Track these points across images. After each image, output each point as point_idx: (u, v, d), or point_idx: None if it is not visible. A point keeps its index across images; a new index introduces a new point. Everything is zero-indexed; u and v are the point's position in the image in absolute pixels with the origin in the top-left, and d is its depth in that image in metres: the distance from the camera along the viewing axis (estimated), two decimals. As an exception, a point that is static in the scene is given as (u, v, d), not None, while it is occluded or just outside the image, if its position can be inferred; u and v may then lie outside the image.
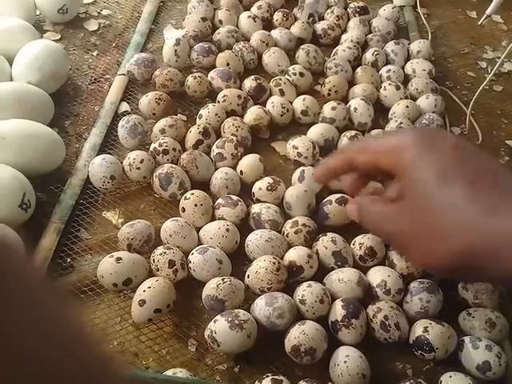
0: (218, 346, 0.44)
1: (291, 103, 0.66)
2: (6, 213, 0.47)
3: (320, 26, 0.77)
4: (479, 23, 0.71)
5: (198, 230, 0.52)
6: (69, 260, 0.50)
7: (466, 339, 0.47)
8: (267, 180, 0.57)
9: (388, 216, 0.41)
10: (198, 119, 0.63)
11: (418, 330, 0.47)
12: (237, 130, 0.61)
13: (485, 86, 0.78)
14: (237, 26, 0.75)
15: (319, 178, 0.50)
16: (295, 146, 0.61)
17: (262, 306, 0.46)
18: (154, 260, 0.47)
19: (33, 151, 0.52)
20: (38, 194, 0.53)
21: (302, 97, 0.66)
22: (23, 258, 0.19)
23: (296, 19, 0.78)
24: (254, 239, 0.51)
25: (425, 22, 0.85)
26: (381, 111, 0.69)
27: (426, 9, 0.89)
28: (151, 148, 0.57)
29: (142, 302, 0.44)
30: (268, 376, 0.43)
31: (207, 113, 0.62)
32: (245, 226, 0.54)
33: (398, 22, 0.84)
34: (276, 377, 0.42)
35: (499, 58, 0.83)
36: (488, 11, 0.68)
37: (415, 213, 0.39)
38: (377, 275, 0.50)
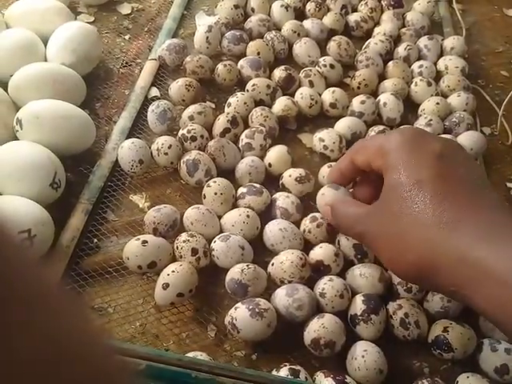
0: (238, 333, 0.44)
1: (320, 95, 0.66)
2: (37, 191, 0.48)
3: (353, 18, 0.76)
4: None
5: (220, 217, 0.52)
6: (96, 240, 0.51)
7: (486, 341, 0.47)
8: (299, 171, 0.56)
9: (359, 217, 0.42)
10: (226, 107, 0.63)
11: (438, 329, 0.47)
12: (265, 120, 0.61)
13: (518, 85, 0.77)
14: (269, 15, 0.74)
15: (332, 181, 0.51)
16: (322, 138, 0.61)
17: (282, 296, 0.46)
18: (177, 247, 0.48)
19: (65, 131, 0.53)
20: (67, 174, 0.54)
21: (331, 89, 0.66)
22: (34, 262, 0.18)
23: (329, 10, 0.77)
24: (269, 228, 0.52)
25: (460, 18, 0.83)
26: (411, 107, 0.68)
27: (461, 4, 0.87)
28: (179, 134, 0.58)
29: (166, 286, 0.45)
30: (286, 365, 0.43)
31: (236, 101, 0.62)
32: (269, 214, 0.54)
33: (433, 17, 0.82)
34: (293, 366, 0.43)
35: (534, 57, 0.82)
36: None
37: (385, 216, 0.39)
38: (398, 272, 0.50)
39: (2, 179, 0.49)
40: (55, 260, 0.48)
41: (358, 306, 0.47)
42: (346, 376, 0.43)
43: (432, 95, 0.67)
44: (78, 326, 0.18)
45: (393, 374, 0.45)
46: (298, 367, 0.43)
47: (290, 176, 0.56)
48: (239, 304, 0.45)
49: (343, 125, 0.63)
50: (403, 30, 0.76)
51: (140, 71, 0.66)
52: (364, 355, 0.44)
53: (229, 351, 0.46)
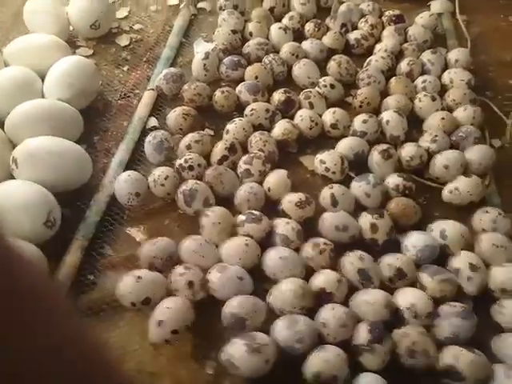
0: (236, 370, 0.43)
1: (321, 116, 0.65)
2: (30, 230, 0.48)
3: (353, 36, 0.75)
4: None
5: (218, 247, 0.51)
6: (92, 277, 0.51)
7: (499, 367, 0.44)
8: (298, 196, 0.55)
9: None
10: (224, 134, 0.62)
11: (447, 356, 0.44)
12: (264, 145, 0.60)
13: (529, 95, 0.75)
14: (267, 38, 0.74)
15: None
16: (323, 160, 0.59)
17: (281, 328, 0.45)
18: (172, 281, 0.47)
19: (61, 168, 0.53)
20: (65, 209, 0.54)
21: (331, 109, 0.65)
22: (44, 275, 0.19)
23: (328, 29, 0.76)
24: (269, 256, 0.50)
25: (464, 29, 0.81)
26: (415, 123, 0.66)
27: (465, 15, 0.85)
28: (177, 164, 0.57)
29: (160, 323, 0.44)
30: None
31: (234, 127, 0.61)
32: (269, 241, 0.53)
33: (436, 30, 0.80)
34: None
35: (546, 65, 0.79)
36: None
37: None
38: (405, 297, 0.48)
39: (-3, 220, 0.49)
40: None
41: (362, 334, 0.45)
42: (351, 413, 0.41)
43: (437, 110, 0.65)
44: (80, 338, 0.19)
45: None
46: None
47: (289, 201, 0.55)
48: (236, 339, 0.43)
49: (345, 145, 0.61)
50: (405, 45, 0.74)
51: (138, 102, 0.66)
52: (369, 389, 0.42)
53: (228, 388, 0.45)
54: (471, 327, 0.46)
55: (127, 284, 0.46)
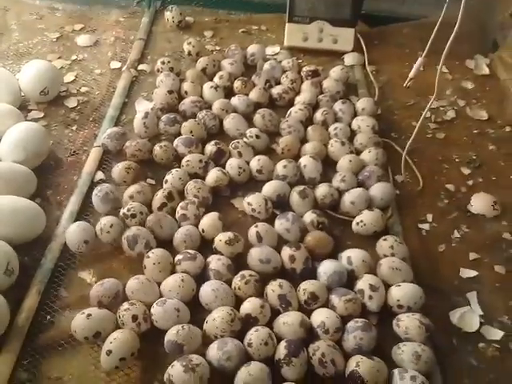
0: (175, 388, 0.51)
1: (248, 163, 0.75)
2: (-9, 280, 0.55)
3: (276, 91, 0.86)
4: (404, 85, 0.79)
5: (160, 284, 0.59)
6: (49, 317, 0.58)
7: (395, 371, 0.54)
8: (228, 235, 0.64)
9: None
10: (164, 183, 0.71)
11: (352, 364, 0.53)
12: (198, 192, 0.69)
13: (428, 134, 0.88)
14: (201, 96, 0.84)
15: None
16: (250, 202, 0.69)
17: (213, 350, 0.53)
18: (119, 316, 0.55)
19: (17, 223, 0.61)
20: (23, 258, 0.61)
21: (257, 157, 0.75)
22: None
23: (254, 85, 0.87)
24: (203, 289, 0.59)
25: (372, 79, 0.94)
26: (330, 165, 0.77)
27: (375, 66, 0.98)
28: (121, 213, 0.65)
29: (109, 352, 0.52)
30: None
31: (172, 177, 0.70)
32: (204, 276, 0.61)
33: (349, 81, 0.93)
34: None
35: (444, 106, 0.93)
36: (411, 74, 0.77)
37: None
38: (318, 317, 0.57)
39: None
40: (12, 339, 0.54)
41: (281, 351, 0.54)
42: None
43: (347, 153, 0.76)
44: None
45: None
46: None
47: (220, 240, 0.64)
48: (175, 362, 0.52)
49: (269, 188, 0.71)
50: (320, 96, 0.86)
51: (87, 158, 0.74)
52: (286, 395, 0.50)
53: (173, 406, 0.52)
54: (372, 339, 0.56)
55: (80, 321, 0.53)
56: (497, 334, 0.60)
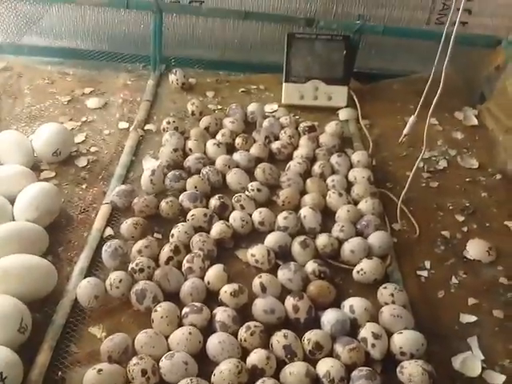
0: None
1: (250, 216, 0.78)
2: (6, 337, 0.57)
3: (275, 146, 0.91)
4: (399, 141, 0.84)
5: (168, 337, 0.61)
6: (60, 373, 0.59)
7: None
8: (233, 286, 0.66)
9: None
10: (170, 238, 0.74)
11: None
12: (203, 244, 0.72)
13: (422, 183, 0.91)
14: (204, 153, 0.89)
15: None
16: (253, 253, 0.72)
17: (221, 403, 0.54)
18: (129, 370, 0.56)
19: (30, 281, 0.63)
20: (35, 314, 0.63)
21: (259, 210, 0.78)
22: None
23: (254, 141, 0.92)
24: (210, 341, 0.60)
25: (366, 132, 0.99)
26: (329, 215, 0.80)
27: (368, 120, 1.03)
28: (129, 268, 0.68)
29: (119, 408, 0.53)
30: None
31: (178, 232, 0.74)
32: (210, 327, 0.63)
33: (344, 135, 0.97)
34: None
35: (435, 156, 0.97)
36: (405, 131, 0.81)
37: None
38: (323, 366, 0.59)
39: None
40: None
41: (287, 402, 0.55)
42: None
43: (344, 204, 0.80)
44: None
45: None
46: None
47: (225, 292, 0.66)
48: (185, 415, 0.53)
49: (271, 239, 0.74)
50: (317, 150, 0.91)
51: (96, 215, 0.78)
52: None
53: None
54: (376, 386, 0.57)
55: (91, 377, 0.55)
56: (499, 378, 0.62)
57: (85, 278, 0.67)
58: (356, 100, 1.05)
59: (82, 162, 0.87)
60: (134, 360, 0.57)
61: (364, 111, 1.04)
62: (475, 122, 1.05)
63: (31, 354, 0.60)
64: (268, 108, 1.02)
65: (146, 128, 0.95)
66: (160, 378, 0.57)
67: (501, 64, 1.08)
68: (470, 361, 0.63)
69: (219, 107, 1.03)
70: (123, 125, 0.96)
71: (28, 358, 0.59)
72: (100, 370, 0.55)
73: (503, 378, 0.62)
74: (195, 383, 0.55)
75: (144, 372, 0.56)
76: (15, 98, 1.01)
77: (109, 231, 0.76)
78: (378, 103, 1.07)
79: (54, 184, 0.81)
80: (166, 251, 0.71)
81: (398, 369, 0.60)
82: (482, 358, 0.63)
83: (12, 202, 0.74)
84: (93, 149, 0.90)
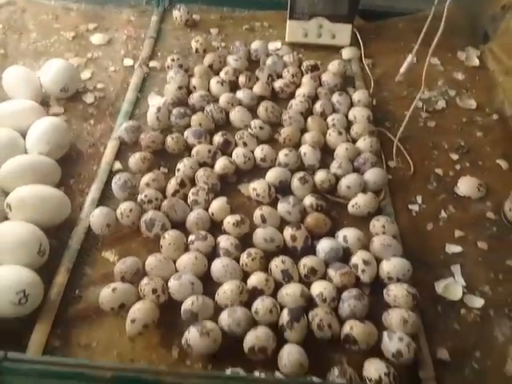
0: (192, 350, 0.58)
1: (253, 152, 0.81)
2: (28, 259, 0.62)
3: (277, 84, 0.93)
4: (396, 79, 0.85)
5: (175, 261, 0.66)
6: (77, 291, 0.65)
7: (384, 333, 0.61)
8: (235, 217, 0.71)
9: None
10: (176, 172, 0.78)
11: (346, 328, 0.61)
12: (207, 179, 0.76)
13: (420, 122, 0.94)
14: (208, 90, 0.91)
15: None
16: (254, 188, 0.76)
17: (224, 318, 0.60)
18: (141, 289, 0.62)
19: (45, 210, 0.68)
20: (52, 240, 0.68)
21: (260, 146, 0.81)
22: None
23: (258, 79, 0.94)
24: (214, 265, 0.66)
25: (368, 72, 1.00)
26: (328, 153, 0.84)
27: (371, 59, 1.04)
28: (138, 199, 0.72)
29: (133, 320, 0.59)
30: (228, 368, 0.57)
31: (183, 166, 0.77)
32: (214, 254, 0.68)
33: (346, 74, 0.99)
34: (234, 368, 0.56)
35: (435, 96, 0.99)
36: (401, 70, 0.83)
37: None
38: (316, 288, 0.64)
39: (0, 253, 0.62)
40: (46, 311, 0.62)
41: (284, 317, 0.61)
42: (277, 371, 0.57)
43: (343, 142, 0.83)
44: None
45: (313, 366, 0.58)
46: (238, 369, 0.57)
47: (228, 222, 0.71)
48: (191, 327, 0.59)
49: (271, 175, 0.78)
50: (319, 89, 0.92)
51: (104, 149, 0.81)
52: (289, 354, 0.57)
53: (189, 365, 0.60)
54: (364, 306, 0.62)
55: (106, 295, 0.61)
56: (478, 302, 0.67)
57: (96, 207, 0.72)
58: (360, 39, 1.05)
59: (89, 98, 0.90)
60: (145, 280, 0.62)
61: (367, 50, 1.05)
62: (477, 62, 1.05)
63: (50, 276, 0.65)
64: (272, 46, 1.03)
65: (150, 65, 0.97)
66: (169, 296, 0.63)
67: (507, 3, 1.07)
68: (452, 286, 0.68)
69: (223, 45, 1.04)
70: (128, 62, 0.97)
71: (47, 280, 0.64)
72: (114, 289, 0.61)
73: (482, 301, 0.67)
74: (201, 300, 0.61)
75: (154, 290, 0.62)
76: (20, 34, 1.02)
77: (117, 165, 0.80)
78: (382, 42, 1.07)
79: (64, 120, 0.83)
80: (172, 184, 0.75)
81: (384, 291, 0.66)
82: (464, 284, 0.69)
83: (23, 136, 0.78)
84: (99, 85, 0.92)
